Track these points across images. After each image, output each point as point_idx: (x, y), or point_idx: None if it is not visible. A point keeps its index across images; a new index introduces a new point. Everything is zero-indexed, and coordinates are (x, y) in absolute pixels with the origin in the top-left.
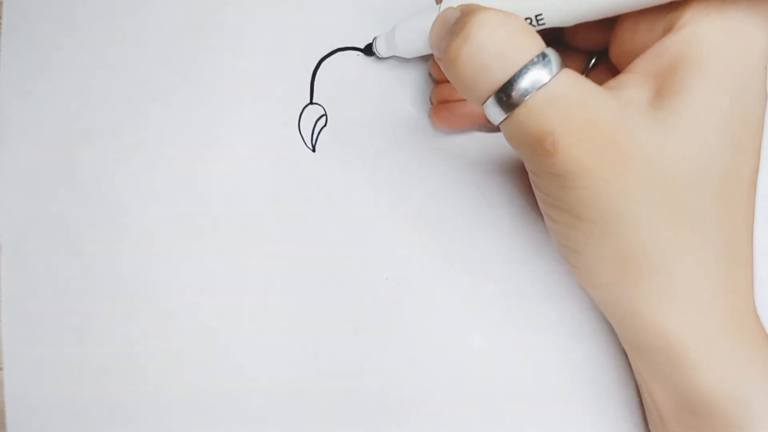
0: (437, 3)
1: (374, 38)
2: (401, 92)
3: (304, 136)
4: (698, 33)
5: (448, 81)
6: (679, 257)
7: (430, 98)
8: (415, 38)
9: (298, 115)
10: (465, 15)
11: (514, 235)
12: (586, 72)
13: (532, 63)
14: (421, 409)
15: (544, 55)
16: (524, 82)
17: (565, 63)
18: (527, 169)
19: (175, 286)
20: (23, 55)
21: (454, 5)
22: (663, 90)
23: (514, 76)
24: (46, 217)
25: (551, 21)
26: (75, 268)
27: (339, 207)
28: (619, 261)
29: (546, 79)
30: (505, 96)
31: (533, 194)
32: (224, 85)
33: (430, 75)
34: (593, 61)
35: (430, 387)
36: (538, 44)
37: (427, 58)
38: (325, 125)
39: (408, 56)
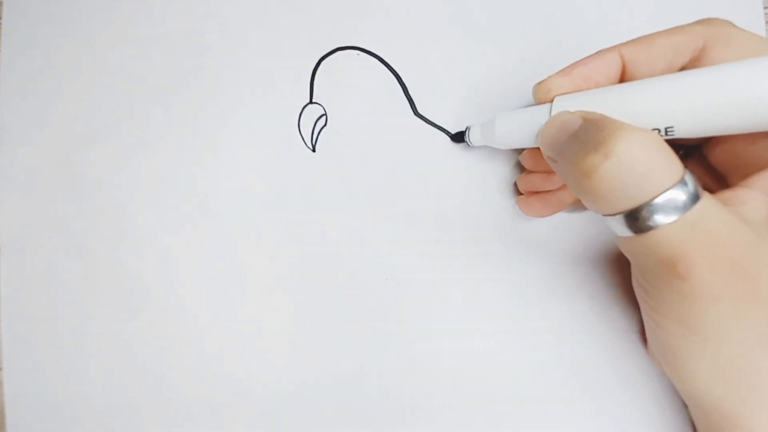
0: (537, 102)
1: (467, 127)
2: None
3: (304, 136)
4: None
5: (538, 171)
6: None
7: (514, 184)
8: (517, 133)
9: (298, 115)
10: (597, 128)
11: (514, 235)
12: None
13: (672, 187)
14: (421, 409)
15: (685, 182)
16: (662, 208)
17: None
18: (638, 276)
19: (175, 286)
20: (23, 55)
21: (570, 109)
22: None
23: (652, 199)
24: (46, 217)
25: (681, 134)
26: (75, 269)
27: (339, 207)
28: (729, 372)
29: (686, 207)
30: (638, 217)
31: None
32: (224, 86)
33: (518, 164)
34: (681, 152)
35: (430, 387)
36: (679, 168)
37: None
38: (325, 125)
39: (504, 148)
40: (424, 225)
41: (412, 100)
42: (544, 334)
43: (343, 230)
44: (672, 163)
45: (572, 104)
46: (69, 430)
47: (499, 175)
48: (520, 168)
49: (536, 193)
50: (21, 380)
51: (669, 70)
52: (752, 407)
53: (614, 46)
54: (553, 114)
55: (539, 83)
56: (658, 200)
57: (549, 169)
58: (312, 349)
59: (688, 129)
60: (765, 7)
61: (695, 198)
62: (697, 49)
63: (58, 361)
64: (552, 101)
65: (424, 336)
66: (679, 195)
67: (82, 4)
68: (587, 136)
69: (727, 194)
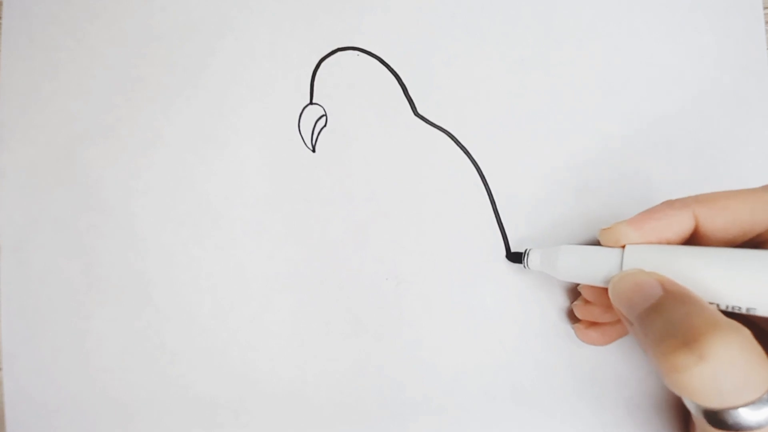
0: (603, 245)
1: (527, 250)
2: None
3: (304, 136)
4: None
5: (596, 304)
6: None
7: (571, 310)
8: (582, 270)
9: (298, 115)
10: (691, 316)
11: (514, 235)
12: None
13: (761, 401)
14: (421, 409)
15: None
16: (749, 415)
17: None
18: None
19: (176, 285)
20: (23, 55)
21: (644, 265)
22: None
23: (742, 405)
24: (46, 217)
25: (762, 314)
26: (75, 268)
27: (339, 207)
28: None
29: None
30: (721, 420)
31: None
32: (224, 85)
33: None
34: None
35: (430, 387)
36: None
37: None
38: (325, 125)
39: (560, 279)
40: (424, 225)
41: (412, 100)
42: (544, 333)
43: (343, 230)
44: (764, 373)
45: (646, 258)
46: (69, 430)
47: (501, 172)
48: (574, 292)
49: (594, 323)
50: (21, 380)
51: (745, 236)
52: None
53: (687, 202)
54: (625, 266)
55: (607, 230)
56: (745, 408)
57: (609, 304)
58: (312, 349)
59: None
60: (765, 8)
61: None
62: None
63: (58, 361)
64: (622, 247)
65: (424, 335)
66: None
67: (82, 4)
68: (674, 321)
69: None
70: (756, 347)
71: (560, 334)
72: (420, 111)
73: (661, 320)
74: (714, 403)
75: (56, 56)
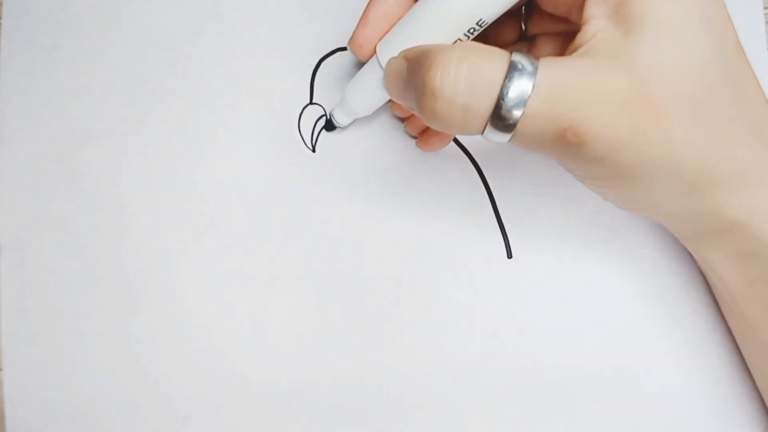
0: (363, 61)
1: (329, 113)
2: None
3: (304, 136)
4: None
5: (414, 114)
6: (730, 155)
7: (406, 133)
8: (368, 95)
9: (298, 115)
10: (417, 67)
11: (514, 234)
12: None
13: (508, 79)
14: (421, 409)
15: (514, 65)
16: (512, 100)
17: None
18: (564, 168)
19: (175, 286)
20: (23, 55)
21: (394, 54)
22: (628, 22)
23: (498, 100)
24: (46, 217)
25: (492, 16)
26: (75, 268)
27: (339, 207)
28: (684, 188)
29: (530, 86)
30: (501, 120)
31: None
32: (224, 85)
33: (396, 116)
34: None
35: (430, 387)
36: (502, 58)
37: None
38: (325, 125)
39: (368, 113)
40: (424, 224)
41: None
42: (544, 333)
43: (343, 230)
44: (492, 59)
45: (393, 46)
46: (69, 430)
47: (501, 172)
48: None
49: (425, 131)
50: (21, 380)
51: None
52: (720, 201)
53: None
54: (384, 65)
55: (349, 43)
56: (503, 99)
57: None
58: (311, 349)
59: (493, 11)
60: (765, 8)
61: (536, 70)
62: None
63: (58, 361)
64: (375, 53)
65: (424, 336)
66: (519, 80)
67: (82, 4)
68: (415, 78)
69: (575, 43)
70: (471, 49)
71: (560, 334)
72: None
73: (410, 87)
74: (477, 121)
75: (56, 56)
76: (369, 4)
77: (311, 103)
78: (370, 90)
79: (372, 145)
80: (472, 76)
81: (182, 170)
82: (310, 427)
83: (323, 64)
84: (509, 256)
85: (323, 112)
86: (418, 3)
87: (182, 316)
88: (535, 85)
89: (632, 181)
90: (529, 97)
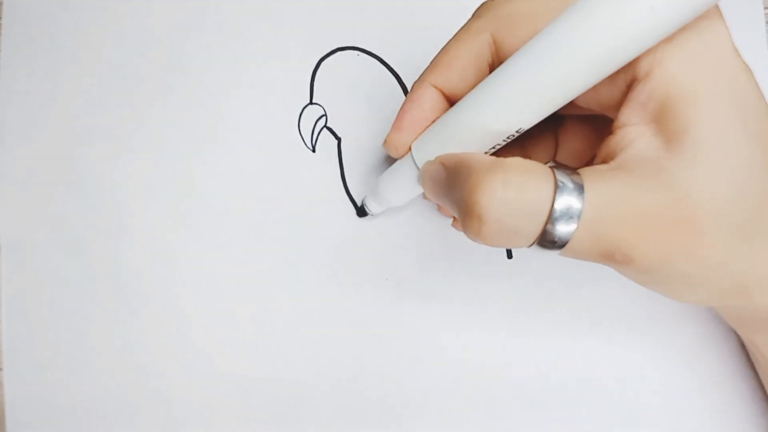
0: (395, 157)
1: (362, 201)
2: None
3: (304, 136)
4: (671, 70)
5: None
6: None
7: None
8: (402, 190)
9: (298, 115)
10: (458, 181)
11: None
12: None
13: (555, 201)
14: (421, 409)
15: (560, 185)
16: (560, 222)
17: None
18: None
19: (175, 285)
20: (23, 55)
21: (430, 157)
22: (668, 133)
23: (546, 222)
24: (46, 217)
25: (528, 126)
26: (75, 268)
27: (339, 207)
28: (730, 292)
29: (576, 206)
30: (549, 241)
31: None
32: (224, 85)
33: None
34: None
35: (429, 387)
36: (547, 177)
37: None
38: (325, 125)
39: (401, 204)
40: (424, 224)
41: None
42: (544, 333)
43: (342, 230)
44: (538, 179)
45: (429, 149)
46: (69, 430)
47: None
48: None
49: None
50: (21, 380)
51: (483, 73)
52: (760, 300)
53: (424, 79)
54: (419, 164)
55: (385, 144)
56: (553, 221)
57: None
58: (311, 349)
59: (534, 120)
60: (765, 8)
61: (580, 189)
62: (491, 45)
63: (58, 361)
64: (410, 151)
65: (423, 336)
66: (568, 199)
67: (82, 4)
68: (456, 193)
69: (611, 144)
70: (516, 169)
71: (560, 334)
72: None
73: (452, 200)
74: (525, 240)
75: (56, 56)
76: (403, 108)
77: (311, 103)
78: (404, 185)
79: (372, 145)
80: (520, 200)
81: (182, 170)
82: (310, 427)
83: (323, 64)
84: (509, 256)
85: (323, 112)
86: (455, 109)
87: (182, 315)
88: (582, 209)
89: (678, 287)
90: (577, 218)
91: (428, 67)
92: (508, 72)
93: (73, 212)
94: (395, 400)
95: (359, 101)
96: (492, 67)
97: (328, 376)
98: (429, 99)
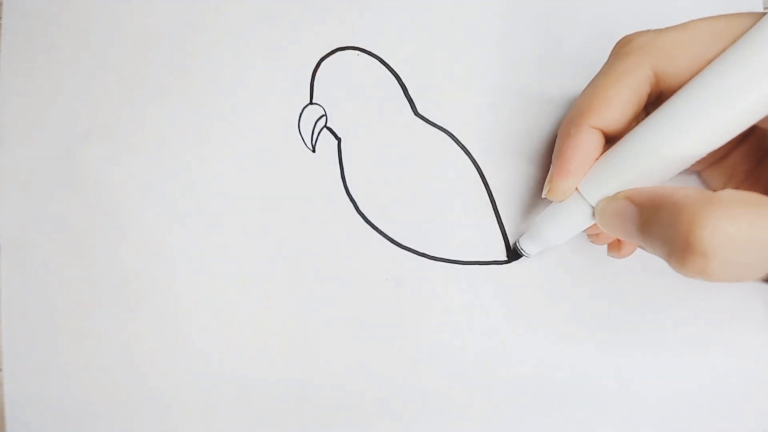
0: (550, 200)
1: (515, 244)
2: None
3: (304, 136)
4: None
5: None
6: None
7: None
8: (567, 229)
9: (298, 115)
10: (663, 216)
11: (512, 234)
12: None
13: None
14: (421, 409)
15: None
16: None
17: None
18: None
19: (175, 285)
20: (23, 55)
21: (606, 194)
22: None
23: None
24: (46, 217)
25: (712, 149)
26: (75, 268)
27: (339, 207)
28: None
29: None
30: None
31: None
32: (224, 85)
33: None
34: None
35: (430, 387)
36: None
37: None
38: (325, 125)
39: (562, 242)
40: (425, 224)
41: (412, 100)
42: (544, 333)
43: (342, 230)
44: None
45: (602, 187)
46: (69, 430)
47: (501, 172)
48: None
49: (617, 241)
50: (21, 380)
51: (640, 107)
52: None
53: (581, 122)
54: (592, 202)
55: (549, 193)
56: None
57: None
58: (311, 349)
59: (717, 144)
60: (765, 8)
61: None
62: (650, 78)
63: (58, 361)
64: (577, 190)
65: (423, 336)
66: None
67: (82, 4)
68: (661, 230)
69: None
70: (745, 203)
71: (561, 334)
72: (420, 111)
73: (651, 237)
74: (752, 275)
75: (56, 56)
76: (564, 154)
77: (311, 103)
78: (570, 224)
79: (372, 145)
80: (752, 235)
81: (182, 170)
82: (310, 427)
83: (323, 64)
84: (509, 258)
85: (323, 112)
86: (626, 141)
87: (182, 315)
88: None
89: None
90: None
91: (582, 109)
92: (694, 97)
93: (73, 212)
94: (395, 399)
95: (359, 101)
96: (651, 100)
97: (328, 376)
98: (591, 141)
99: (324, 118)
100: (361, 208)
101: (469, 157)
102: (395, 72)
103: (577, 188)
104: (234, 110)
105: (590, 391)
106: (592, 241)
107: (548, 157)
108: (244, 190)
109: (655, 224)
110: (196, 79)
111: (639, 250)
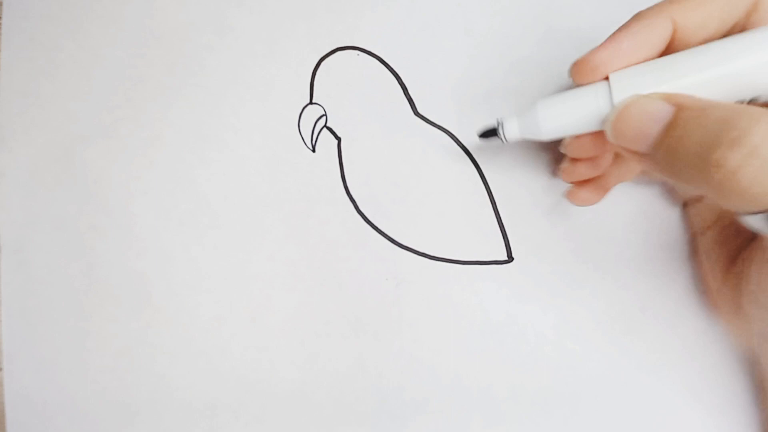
0: (579, 83)
1: (498, 121)
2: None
3: (304, 136)
4: None
5: (584, 159)
6: None
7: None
8: (568, 121)
9: (298, 114)
10: (733, 123)
11: (513, 234)
12: None
13: None
14: (421, 409)
15: None
16: None
17: None
18: None
19: (175, 285)
20: (23, 55)
21: (638, 90)
22: None
23: None
24: (46, 217)
25: (764, 99)
26: (75, 268)
27: (339, 207)
28: None
29: None
30: None
31: None
32: (224, 85)
33: (562, 153)
34: None
35: (430, 387)
36: None
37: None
38: (325, 125)
39: (550, 139)
40: (424, 225)
41: (412, 100)
42: (544, 333)
43: (343, 230)
44: None
45: (637, 82)
46: (69, 431)
47: (501, 172)
48: (553, 156)
49: (583, 182)
50: (21, 380)
51: (722, 29)
52: None
53: (662, 7)
54: (616, 98)
55: (580, 61)
56: None
57: (595, 155)
58: (312, 349)
59: None
60: None
61: None
62: (751, 2)
63: (58, 361)
64: (606, 79)
65: (424, 336)
66: None
67: (82, 4)
68: (705, 129)
69: None
70: None
71: (560, 334)
72: (420, 111)
73: (688, 135)
74: None
75: (56, 56)
76: (624, 30)
77: (311, 103)
78: (574, 115)
79: (372, 145)
80: None
81: (182, 170)
82: (310, 427)
83: (323, 64)
84: (509, 258)
85: (323, 112)
86: (687, 57)
87: (182, 315)
88: None
89: None
90: None
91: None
92: None
93: (74, 212)
94: (395, 400)
95: (359, 101)
96: (736, 26)
97: (327, 376)
98: (660, 31)
99: (324, 118)
100: (361, 208)
101: (469, 157)
102: (395, 72)
103: (607, 77)
104: (234, 110)
105: (590, 391)
106: (560, 175)
107: (548, 157)
108: (244, 190)
109: (694, 122)
110: (197, 79)
111: (620, 229)
